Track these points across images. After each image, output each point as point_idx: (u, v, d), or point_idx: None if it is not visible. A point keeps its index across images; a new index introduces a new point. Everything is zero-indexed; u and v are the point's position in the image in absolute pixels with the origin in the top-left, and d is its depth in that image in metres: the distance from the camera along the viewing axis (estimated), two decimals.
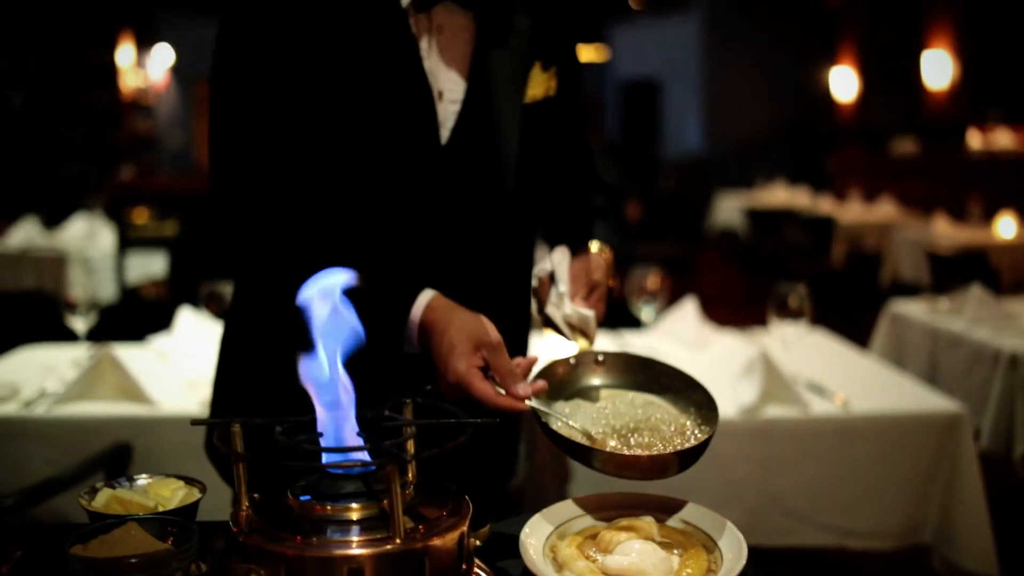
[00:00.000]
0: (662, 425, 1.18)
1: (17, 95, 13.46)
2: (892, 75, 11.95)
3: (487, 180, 1.45)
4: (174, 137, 15.00)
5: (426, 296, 1.29)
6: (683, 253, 8.17)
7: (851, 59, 12.76)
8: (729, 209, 10.40)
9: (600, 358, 1.33)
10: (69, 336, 2.77)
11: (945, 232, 6.44)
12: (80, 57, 13.41)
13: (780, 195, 10.32)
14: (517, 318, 1.55)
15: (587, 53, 16.37)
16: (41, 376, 2.48)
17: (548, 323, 1.47)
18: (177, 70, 14.75)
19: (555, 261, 1.47)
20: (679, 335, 2.87)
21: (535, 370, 1.27)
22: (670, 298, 2.90)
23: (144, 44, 14.02)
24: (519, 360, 1.24)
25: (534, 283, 1.52)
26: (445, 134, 1.40)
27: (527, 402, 1.18)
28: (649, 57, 16.14)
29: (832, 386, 2.38)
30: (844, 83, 12.89)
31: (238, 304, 1.58)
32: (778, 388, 2.26)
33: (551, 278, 1.47)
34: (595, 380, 1.31)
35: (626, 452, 1.11)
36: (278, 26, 1.33)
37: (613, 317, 2.11)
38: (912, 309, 3.49)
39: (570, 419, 1.18)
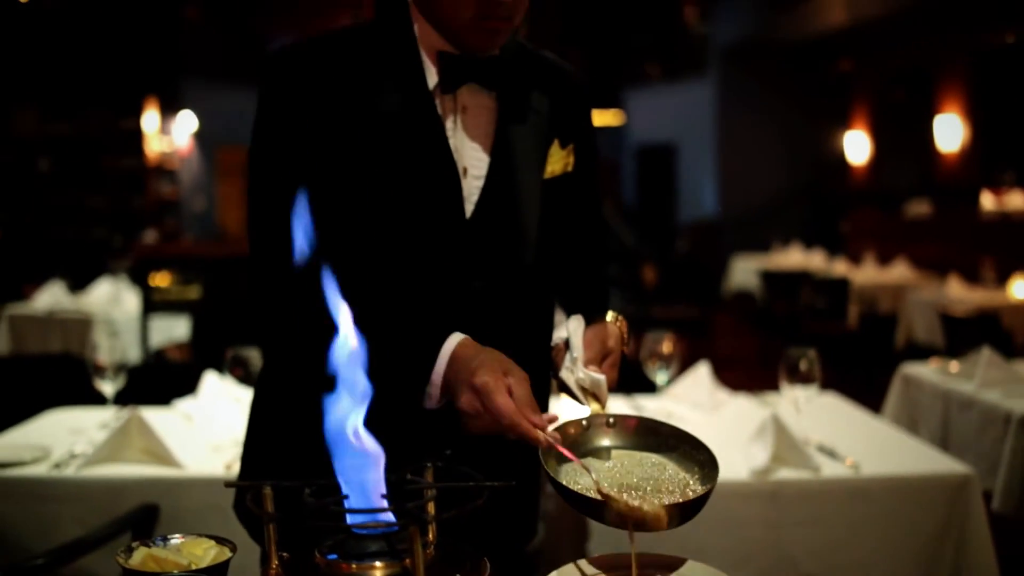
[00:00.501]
0: (667, 482, 1.24)
1: (44, 161, 13.74)
2: (905, 138, 12.06)
3: (508, 251, 1.53)
4: (197, 201, 15.24)
5: (457, 336, 1.37)
6: (699, 316, 8.21)
7: (864, 123, 12.88)
8: (745, 271, 10.45)
9: (611, 421, 1.39)
10: (96, 399, 2.83)
11: (959, 294, 6.48)
12: (106, 123, 13.71)
13: (795, 258, 10.38)
14: (537, 383, 1.61)
15: (603, 118, 16.58)
16: (70, 438, 2.54)
17: (562, 387, 1.53)
18: (199, 136, 15.04)
19: (570, 328, 1.53)
20: (692, 399, 2.91)
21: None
22: (685, 361, 2.95)
23: (168, 111, 14.32)
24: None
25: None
26: (469, 208, 1.48)
27: (546, 432, 1.24)
28: (664, 121, 16.31)
29: (842, 448, 2.42)
30: (857, 146, 12.99)
31: (268, 370, 1.65)
32: (789, 450, 2.30)
33: (566, 344, 1.53)
34: (606, 441, 1.37)
35: (630, 503, 1.17)
36: (312, 109, 1.42)
37: (627, 381, 2.16)
38: (923, 371, 3.53)
39: (580, 476, 1.24)
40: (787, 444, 2.30)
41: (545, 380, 1.63)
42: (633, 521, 1.14)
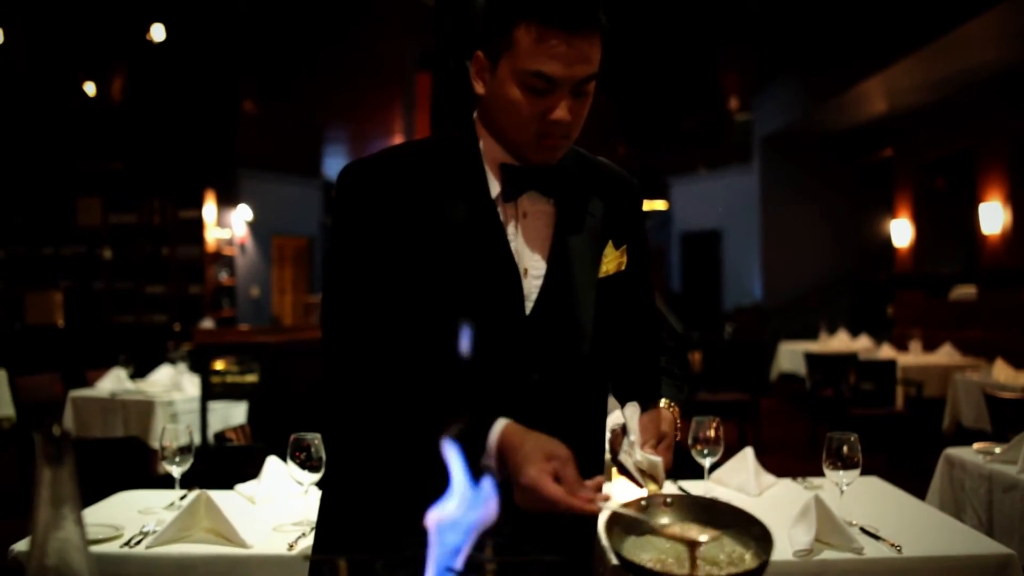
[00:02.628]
0: (724, 556, 1.34)
1: (107, 249, 14.19)
2: (949, 223, 12.06)
3: (565, 346, 1.65)
4: (252, 288, 15.58)
5: (501, 423, 1.45)
6: (746, 400, 8.22)
7: (907, 208, 12.90)
8: (792, 355, 10.43)
9: (668, 500, 1.48)
10: (159, 481, 2.93)
11: (1005, 377, 6.48)
12: (167, 214, 14.17)
13: (841, 343, 10.36)
14: (591, 466, 1.71)
15: (648, 205, 16.77)
16: (140, 518, 2.66)
17: (621, 469, 1.63)
18: (255, 225, 15.44)
19: (627, 414, 1.64)
20: (737, 483, 2.98)
21: (607, 509, 1.43)
22: (733, 446, 3.01)
23: (226, 201, 14.76)
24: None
25: (608, 434, 1.69)
26: (529, 306, 1.61)
27: (601, 504, 1.32)
28: (709, 209, 16.44)
29: (885, 530, 2.47)
30: (901, 232, 13.00)
31: (339, 453, 1.76)
32: (832, 531, 2.35)
33: (623, 429, 1.64)
34: (664, 519, 1.46)
35: (691, 573, 1.27)
36: (386, 216, 1.56)
37: (673, 465, 2.23)
38: (967, 454, 3.55)
39: (642, 550, 1.34)
40: (830, 525, 2.36)
41: (599, 463, 1.73)
42: None
